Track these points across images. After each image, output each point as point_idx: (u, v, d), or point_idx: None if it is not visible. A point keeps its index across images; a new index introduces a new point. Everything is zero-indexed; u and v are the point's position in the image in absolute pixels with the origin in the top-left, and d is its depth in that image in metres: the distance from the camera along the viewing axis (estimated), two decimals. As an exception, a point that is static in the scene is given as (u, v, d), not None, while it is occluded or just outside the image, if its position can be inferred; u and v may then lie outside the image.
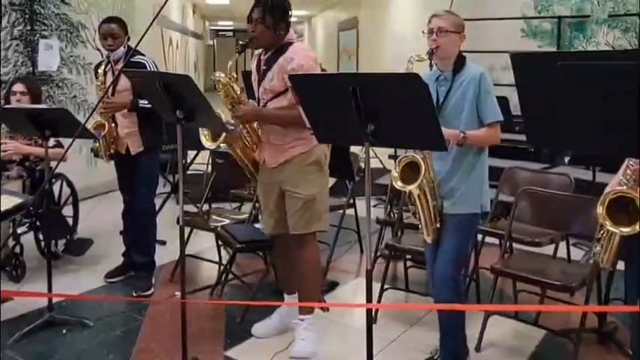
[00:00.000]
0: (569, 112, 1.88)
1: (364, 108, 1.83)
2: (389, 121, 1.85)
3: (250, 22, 2.60)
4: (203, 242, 4.06)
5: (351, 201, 4.02)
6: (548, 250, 3.25)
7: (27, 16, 5.04)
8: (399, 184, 2.24)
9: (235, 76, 2.64)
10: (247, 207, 4.16)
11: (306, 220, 2.65)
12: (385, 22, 10.41)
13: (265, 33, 2.58)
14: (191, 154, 5.62)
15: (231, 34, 24.81)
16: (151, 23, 2.97)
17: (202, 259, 3.81)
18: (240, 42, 2.65)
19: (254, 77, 2.73)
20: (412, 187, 2.24)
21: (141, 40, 2.76)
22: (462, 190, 2.37)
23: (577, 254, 3.74)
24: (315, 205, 2.65)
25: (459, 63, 2.38)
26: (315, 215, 2.66)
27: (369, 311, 1.95)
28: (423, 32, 2.38)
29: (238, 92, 2.63)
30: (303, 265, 2.75)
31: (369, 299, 1.93)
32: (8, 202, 1.98)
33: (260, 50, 2.71)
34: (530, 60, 1.83)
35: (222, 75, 2.60)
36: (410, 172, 2.24)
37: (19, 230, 3.60)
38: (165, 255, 3.82)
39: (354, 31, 12.94)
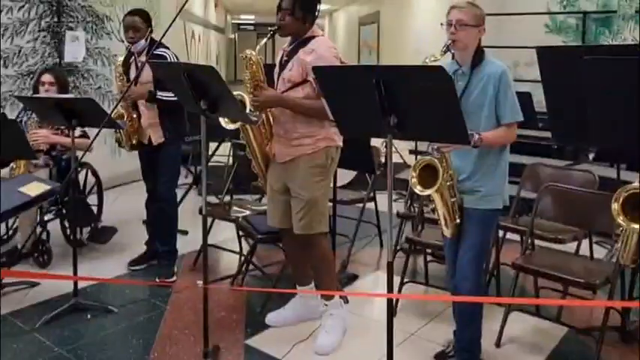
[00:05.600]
0: (596, 107, 1.87)
1: (387, 100, 1.84)
2: (412, 114, 1.86)
3: (279, 11, 2.61)
4: (224, 233, 4.11)
5: (371, 195, 4.02)
6: (570, 247, 3.22)
7: (54, 8, 5.12)
8: (418, 189, 2.21)
9: (262, 58, 2.64)
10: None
11: (308, 221, 2.66)
12: (407, 17, 10.36)
13: (293, 23, 2.59)
14: (212, 146, 5.67)
15: (252, 27, 24.89)
16: (174, 19, 3.02)
17: (223, 249, 3.85)
18: (270, 29, 2.65)
19: (276, 70, 2.74)
20: (431, 191, 2.21)
21: (164, 34, 2.81)
22: (486, 189, 2.33)
23: (599, 252, 3.70)
24: (318, 208, 2.66)
25: (478, 57, 2.30)
26: (317, 217, 2.67)
27: (389, 301, 1.96)
28: (441, 24, 2.32)
29: (264, 74, 2.63)
30: (314, 262, 2.80)
31: (390, 290, 1.94)
32: (39, 188, 2.04)
33: (286, 45, 2.72)
34: (556, 54, 1.82)
35: (254, 53, 2.59)
36: (427, 174, 2.20)
37: (46, 217, 3.69)
38: (187, 245, 3.88)
39: (374, 26, 12.90)
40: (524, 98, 4.81)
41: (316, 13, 2.64)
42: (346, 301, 3.17)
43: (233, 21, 23.63)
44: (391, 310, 1.95)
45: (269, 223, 2.87)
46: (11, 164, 3.58)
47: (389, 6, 11.92)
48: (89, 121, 3.05)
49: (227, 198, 4.09)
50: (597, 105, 1.80)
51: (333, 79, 2.04)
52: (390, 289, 1.93)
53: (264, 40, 2.63)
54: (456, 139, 1.95)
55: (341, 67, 2.40)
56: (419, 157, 2.27)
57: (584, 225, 3.05)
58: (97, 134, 2.33)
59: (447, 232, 2.41)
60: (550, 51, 1.78)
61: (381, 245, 4.18)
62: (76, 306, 3.03)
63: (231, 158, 5.79)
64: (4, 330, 2.81)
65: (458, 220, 2.36)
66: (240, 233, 3.62)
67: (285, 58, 2.68)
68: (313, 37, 2.62)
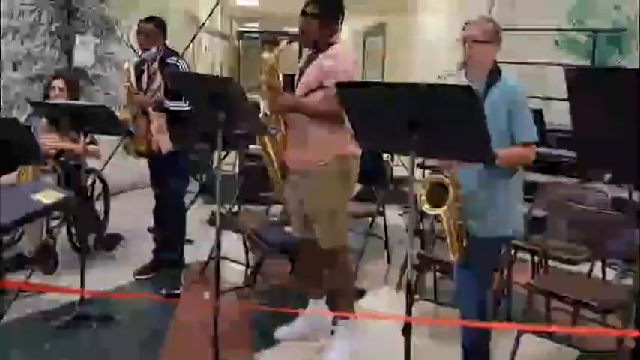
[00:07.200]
0: (626, 132, 1.83)
1: (411, 117, 1.82)
2: (436, 132, 1.83)
3: (302, 16, 2.58)
4: (229, 244, 4.05)
5: (380, 209, 3.99)
6: (581, 267, 3.18)
7: (65, 12, 5.12)
8: (426, 207, 2.11)
9: (278, 63, 2.59)
10: (275, 209, 4.17)
11: (329, 233, 2.64)
12: (414, 30, 10.38)
13: (315, 29, 2.56)
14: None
15: (256, 36, 24.94)
16: (195, 34, 3.00)
17: (232, 260, 3.80)
18: (288, 36, 2.62)
19: (297, 77, 2.71)
20: (440, 211, 2.12)
21: (186, 49, 2.80)
22: (490, 213, 2.23)
23: (609, 274, 3.66)
24: (338, 218, 2.64)
25: (494, 75, 2.24)
26: (337, 228, 2.65)
27: (407, 324, 1.90)
28: (457, 40, 2.29)
29: (281, 79, 2.59)
30: (334, 275, 2.75)
31: (409, 313, 1.90)
32: (52, 196, 2.01)
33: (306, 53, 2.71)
34: (585, 76, 1.78)
35: (272, 56, 2.54)
36: (436, 192, 2.12)
37: (53, 223, 3.64)
38: (193, 254, 3.83)
39: (380, 38, 12.91)
40: (535, 115, 4.81)
41: (340, 21, 2.62)
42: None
43: (238, 29, 23.70)
44: (409, 332, 1.88)
45: (293, 233, 2.86)
46: (19, 169, 3.55)
47: (395, 18, 11.94)
48: (101, 129, 3.02)
49: (235, 209, 4.06)
50: (624, 128, 1.77)
51: (357, 94, 2.01)
52: (409, 311, 1.88)
53: (284, 42, 2.57)
54: (480, 159, 1.92)
55: (365, 82, 2.38)
56: (427, 172, 2.23)
57: (598, 246, 3.02)
58: (119, 145, 2.28)
59: (454, 257, 2.31)
60: (579, 72, 1.75)
61: (389, 261, 4.14)
62: (81, 315, 2.98)
63: (237, 168, 5.77)
64: (7, 338, 2.76)
65: (465, 244, 2.27)
66: (247, 245, 3.58)
67: (304, 64, 2.66)
68: (332, 44, 2.59)
